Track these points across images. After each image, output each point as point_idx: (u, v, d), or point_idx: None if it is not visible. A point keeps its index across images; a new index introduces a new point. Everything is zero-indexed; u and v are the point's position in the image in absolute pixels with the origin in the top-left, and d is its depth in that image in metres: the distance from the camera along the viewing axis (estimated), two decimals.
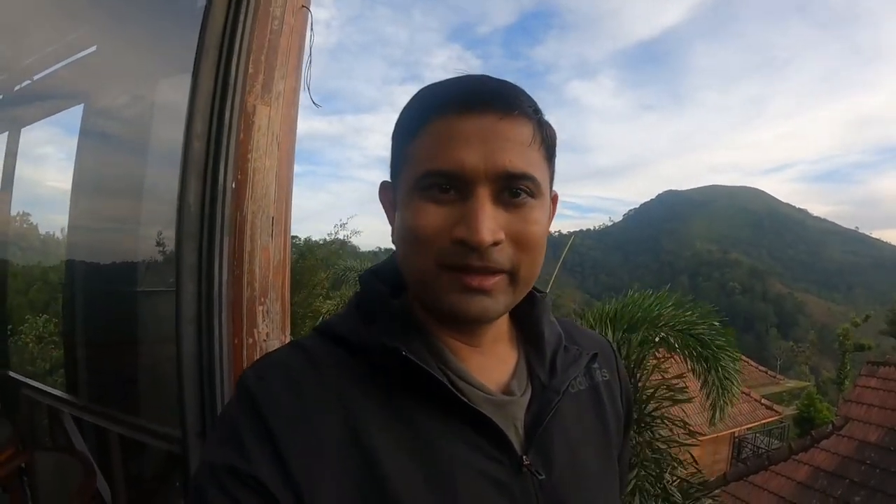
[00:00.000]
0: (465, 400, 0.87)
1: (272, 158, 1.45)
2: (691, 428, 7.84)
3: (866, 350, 38.68)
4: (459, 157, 0.83)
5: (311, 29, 1.57)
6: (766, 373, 25.21)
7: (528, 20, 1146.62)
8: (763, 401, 19.32)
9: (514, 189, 0.86)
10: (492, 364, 1.00)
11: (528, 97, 0.92)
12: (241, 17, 1.41)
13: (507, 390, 0.98)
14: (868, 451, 9.89)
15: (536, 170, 0.88)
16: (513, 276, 0.88)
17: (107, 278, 3.07)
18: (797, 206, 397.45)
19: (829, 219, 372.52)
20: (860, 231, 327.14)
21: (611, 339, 6.98)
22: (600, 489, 1.05)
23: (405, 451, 0.83)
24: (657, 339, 7.44)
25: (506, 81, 0.92)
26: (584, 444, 1.04)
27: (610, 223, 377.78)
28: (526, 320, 1.08)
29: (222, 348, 1.32)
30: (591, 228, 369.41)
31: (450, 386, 0.87)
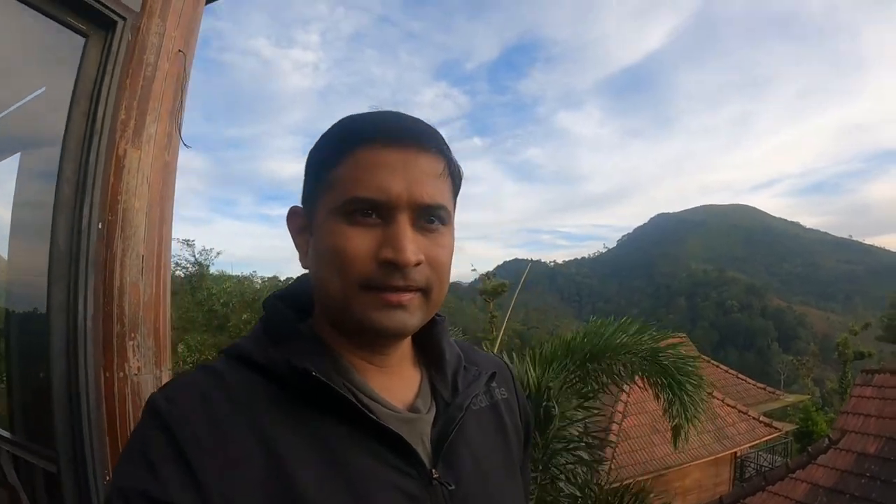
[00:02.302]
0: (374, 417, 0.91)
1: (142, 199, 1.49)
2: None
3: (867, 357, 38.55)
4: (386, 185, 0.90)
5: (186, 72, 1.61)
6: (765, 389, 24.96)
7: (512, 54, 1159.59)
8: (762, 418, 19.12)
9: (429, 217, 0.94)
10: (398, 383, 1.05)
11: (441, 136, 1.00)
12: (112, 66, 1.44)
13: (413, 408, 1.03)
14: (867, 464, 9.67)
15: (447, 201, 0.97)
16: (427, 294, 0.95)
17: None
18: (789, 219, 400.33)
19: (822, 229, 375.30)
20: (853, 239, 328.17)
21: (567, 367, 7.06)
22: (506, 498, 1.11)
23: (319, 468, 0.86)
24: (620, 368, 7.45)
25: (421, 120, 0.99)
26: (488, 457, 1.10)
27: (604, 250, 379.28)
28: (427, 342, 1.14)
29: (88, 380, 1.34)
30: (586, 256, 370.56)
31: (358, 404, 0.91)
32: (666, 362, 7.21)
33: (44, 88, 2.32)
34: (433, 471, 0.96)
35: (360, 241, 0.91)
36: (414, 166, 0.92)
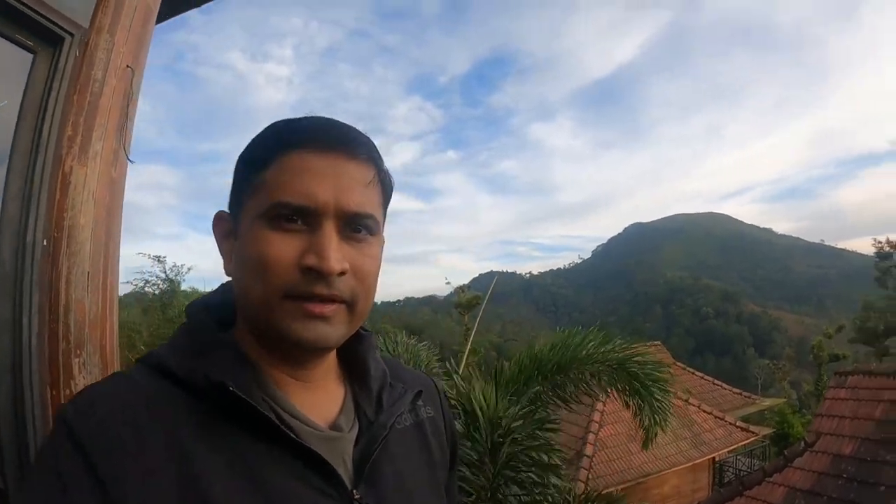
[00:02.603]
0: (294, 436, 0.90)
1: (88, 216, 1.48)
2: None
3: (842, 359, 38.87)
4: (312, 191, 0.88)
5: (134, 87, 1.61)
6: (741, 394, 25.19)
7: (484, 67, 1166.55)
8: (738, 423, 19.26)
9: (356, 226, 0.93)
10: (320, 400, 1.03)
11: (373, 144, 0.99)
12: (59, 82, 1.44)
13: (335, 426, 1.02)
14: (844, 465, 9.68)
15: (376, 210, 0.97)
16: (351, 306, 0.94)
17: None
18: (762, 225, 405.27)
19: (794, 235, 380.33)
20: (826, 243, 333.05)
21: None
22: None
23: (236, 487, 0.84)
24: (588, 378, 7.49)
25: (353, 127, 0.98)
26: (412, 477, 1.08)
27: (579, 260, 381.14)
28: (352, 357, 1.12)
29: (34, 398, 1.33)
30: (561, 267, 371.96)
31: (277, 422, 0.89)
32: (634, 370, 7.27)
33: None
34: (354, 492, 0.94)
35: (283, 248, 0.89)
36: (343, 173, 0.91)
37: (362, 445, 1.00)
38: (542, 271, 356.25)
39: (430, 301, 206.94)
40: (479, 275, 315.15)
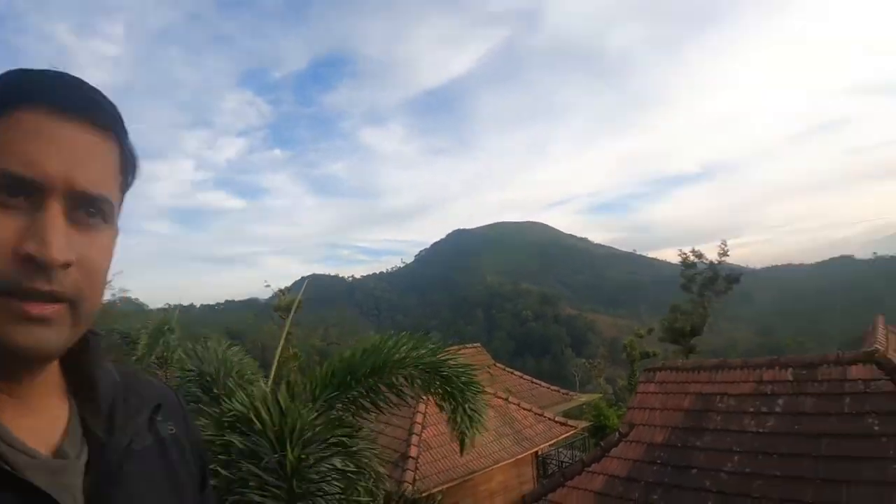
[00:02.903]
0: (7, 467, 0.73)
1: None
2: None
3: (652, 357, 41.99)
4: (41, 160, 0.73)
5: None
6: (559, 391, 26.38)
7: (321, 66, 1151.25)
8: (557, 418, 20.09)
9: (89, 208, 0.79)
10: (40, 421, 0.85)
11: (120, 115, 0.86)
12: None
13: (59, 452, 0.84)
14: (657, 452, 10.29)
15: (114, 193, 0.84)
16: (75, 306, 0.78)
17: None
18: (579, 235, 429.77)
19: (609, 244, 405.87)
20: (637, 253, 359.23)
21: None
22: None
23: None
24: (402, 382, 7.39)
25: (102, 93, 0.84)
26: None
27: (403, 265, 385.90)
28: (77, 367, 0.93)
29: None
30: (385, 271, 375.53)
31: None
32: (446, 373, 7.31)
33: None
34: None
35: None
36: (80, 145, 0.77)
37: (93, 474, 0.84)
38: (366, 275, 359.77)
39: (251, 304, 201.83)
40: (303, 277, 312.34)
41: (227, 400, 5.86)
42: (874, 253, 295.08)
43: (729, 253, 40.05)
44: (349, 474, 5.64)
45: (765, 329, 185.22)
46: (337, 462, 5.51)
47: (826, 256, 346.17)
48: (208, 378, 7.20)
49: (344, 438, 5.87)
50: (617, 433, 11.23)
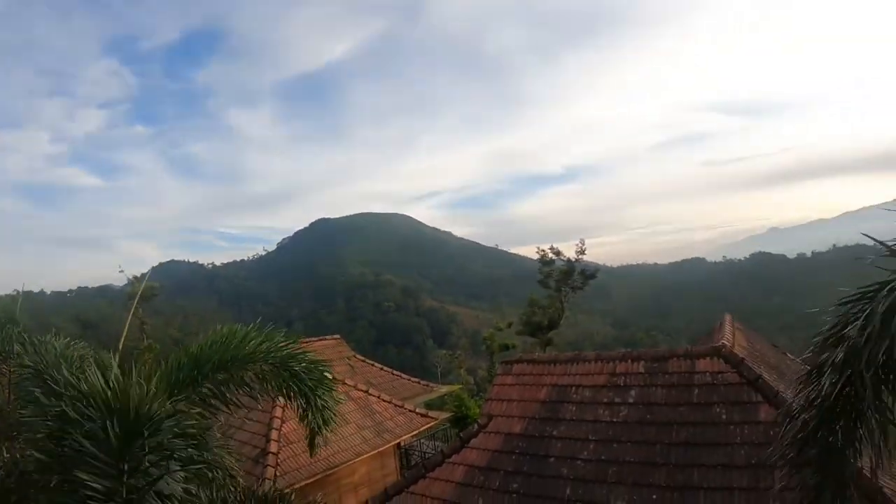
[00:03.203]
0: None
1: None
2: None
3: (511, 349, 42.84)
4: None
5: None
6: (419, 383, 26.39)
7: (193, 39, 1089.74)
8: (417, 410, 20.10)
9: None
10: None
11: None
12: None
13: None
14: (515, 442, 10.54)
15: None
16: None
17: None
18: (443, 229, 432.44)
19: (472, 239, 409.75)
20: (500, 248, 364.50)
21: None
22: None
23: None
24: (251, 378, 7.02)
25: None
26: None
27: (264, 252, 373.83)
28: None
29: None
30: (247, 259, 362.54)
31: None
32: (298, 368, 7.10)
33: None
34: None
35: None
36: None
37: None
38: (227, 262, 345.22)
39: (105, 291, 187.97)
40: (161, 263, 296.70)
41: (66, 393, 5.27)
42: (724, 256, 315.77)
43: (586, 251, 41.50)
44: (197, 470, 5.26)
45: (620, 323, 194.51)
46: (183, 455, 5.11)
47: (679, 258, 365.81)
48: (46, 376, 6.39)
49: (193, 432, 5.45)
50: (476, 424, 11.34)
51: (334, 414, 7.50)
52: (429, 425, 20.09)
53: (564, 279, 40.79)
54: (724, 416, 9.38)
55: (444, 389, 28.70)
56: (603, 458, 9.56)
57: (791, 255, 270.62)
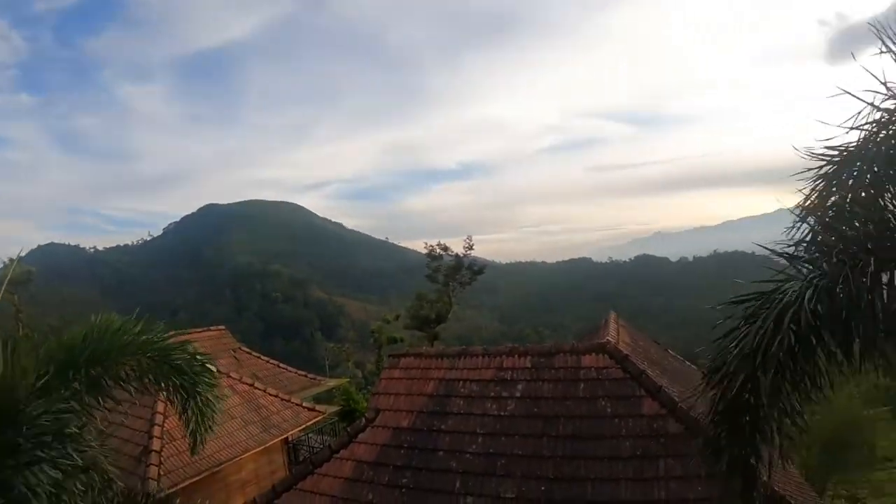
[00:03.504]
0: None
1: None
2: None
3: (399, 342, 42.86)
4: None
5: None
6: (307, 376, 25.95)
7: (89, 3, 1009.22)
8: (304, 404, 19.78)
9: None
10: None
11: None
12: None
13: None
14: (403, 436, 10.53)
15: None
16: None
17: None
18: (334, 220, 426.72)
19: (363, 231, 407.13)
20: (390, 241, 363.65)
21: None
22: None
23: None
24: (129, 372, 6.70)
25: None
26: None
27: (150, 237, 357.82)
28: None
29: None
30: (130, 244, 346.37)
31: None
32: (179, 361, 6.84)
33: None
34: None
35: None
36: None
37: None
38: (110, 247, 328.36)
39: None
40: (40, 246, 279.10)
41: None
42: (610, 258, 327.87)
43: (475, 247, 41.99)
44: (69, 472, 4.95)
45: (507, 319, 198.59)
46: (53, 455, 4.82)
47: (567, 257, 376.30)
48: None
49: (70, 431, 5.13)
50: (364, 419, 11.26)
51: (216, 410, 7.23)
52: (316, 419, 19.86)
53: (452, 274, 41.15)
54: (609, 410, 9.68)
55: (333, 383, 28.41)
56: (491, 451, 9.69)
57: (674, 258, 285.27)
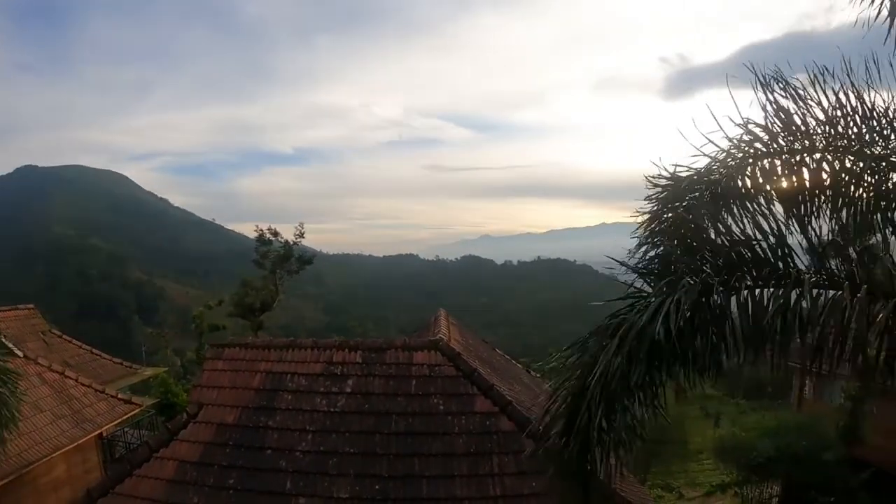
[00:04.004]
0: None
1: None
2: None
3: (221, 330, 41.35)
4: None
5: None
6: (122, 364, 24.35)
7: None
8: (120, 395, 18.65)
9: None
10: None
11: None
12: None
13: None
14: (229, 433, 10.06)
15: None
16: None
17: None
18: (160, 195, 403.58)
19: (189, 209, 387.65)
20: (216, 222, 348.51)
21: None
22: None
23: None
24: None
25: None
26: None
27: None
28: None
29: None
30: None
31: None
32: None
33: None
34: None
35: None
36: None
37: None
38: None
39: None
40: None
41: None
42: (437, 256, 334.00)
43: (305, 235, 41.13)
44: None
45: (332, 310, 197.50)
46: None
47: (395, 252, 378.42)
48: None
49: None
50: (185, 414, 10.68)
51: (12, 409, 6.58)
52: (133, 413, 18.76)
53: (281, 262, 40.17)
54: (441, 407, 9.83)
55: (150, 372, 26.89)
56: (322, 449, 9.53)
57: (499, 261, 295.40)
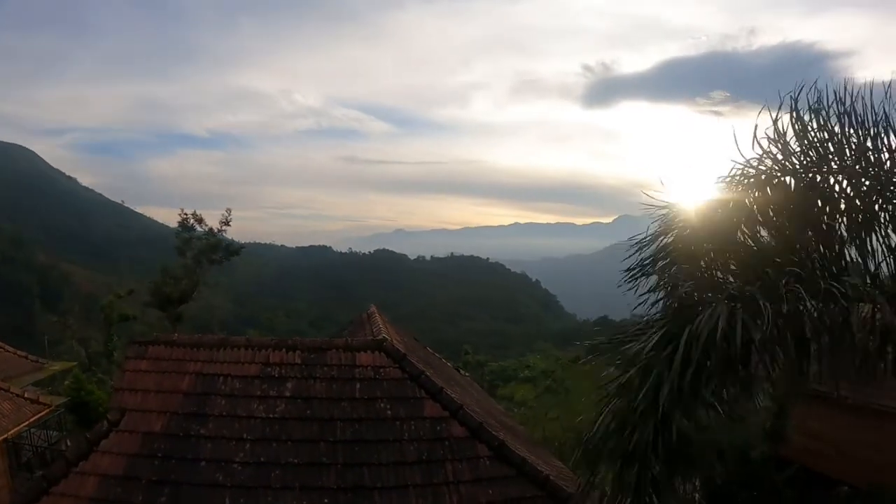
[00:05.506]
0: None
1: None
2: None
3: (132, 320, 39.98)
4: None
5: None
6: (27, 358, 22.76)
7: None
8: (27, 394, 17.28)
9: None
10: None
11: None
12: None
13: None
14: (157, 443, 9.10)
15: None
16: None
17: None
18: (68, 173, 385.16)
19: (98, 190, 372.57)
20: (126, 205, 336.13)
21: None
22: None
23: None
24: None
25: None
26: None
27: None
28: None
29: None
30: None
31: None
32: None
33: None
34: None
35: None
36: None
37: None
38: None
39: None
40: None
41: None
42: (350, 249, 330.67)
43: (222, 223, 39.56)
44: None
45: (242, 300, 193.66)
46: None
47: (307, 244, 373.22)
48: None
49: None
50: (106, 422, 9.61)
51: None
52: (42, 414, 17.39)
53: (208, 252, 38.42)
54: (389, 412, 9.39)
55: (58, 366, 25.26)
56: (262, 459, 8.82)
57: (412, 256, 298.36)
